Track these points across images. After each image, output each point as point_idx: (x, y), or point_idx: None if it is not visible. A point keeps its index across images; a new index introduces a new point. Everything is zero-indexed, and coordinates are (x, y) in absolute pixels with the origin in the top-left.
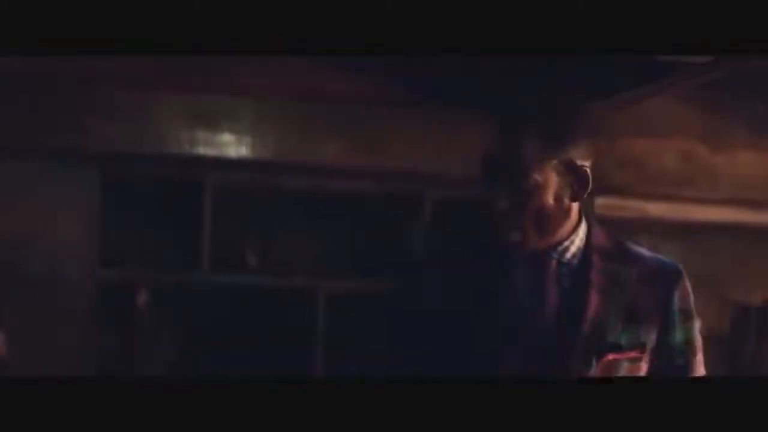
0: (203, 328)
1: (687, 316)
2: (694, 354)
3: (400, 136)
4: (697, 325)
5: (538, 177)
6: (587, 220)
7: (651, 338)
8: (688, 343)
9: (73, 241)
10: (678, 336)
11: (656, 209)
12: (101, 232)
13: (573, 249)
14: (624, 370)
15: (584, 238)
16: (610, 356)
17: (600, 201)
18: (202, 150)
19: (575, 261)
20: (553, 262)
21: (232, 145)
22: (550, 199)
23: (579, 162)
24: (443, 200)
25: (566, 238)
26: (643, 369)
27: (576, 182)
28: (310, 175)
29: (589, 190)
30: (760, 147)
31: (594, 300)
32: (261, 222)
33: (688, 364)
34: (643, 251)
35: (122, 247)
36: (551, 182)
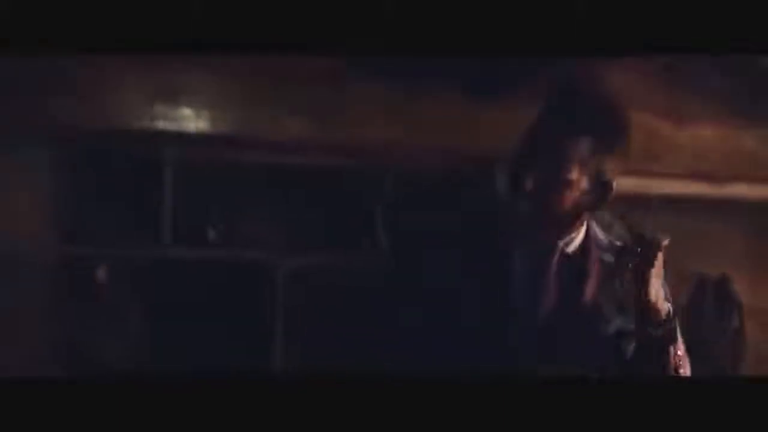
0: (163, 304)
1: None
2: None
3: (362, 111)
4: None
5: (573, 174)
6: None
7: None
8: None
9: (31, 217)
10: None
11: (619, 183)
12: (60, 209)
13: (577, 242)
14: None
15: (585, 232)
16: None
17: None
18: (162, 125)
19: (578, 253)
20: (558, 253)
21: (192, 120)
22: (570, 199)
23: (609, 176)
24: (406, 176)
25: (573, 231)
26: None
27: (598, 193)
28: (271, 150)
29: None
30: (722, 122)
31: (591, 291)
32: (221, 197)
33: (668, 355)
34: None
35: (81, 223)
36: (580, 185)
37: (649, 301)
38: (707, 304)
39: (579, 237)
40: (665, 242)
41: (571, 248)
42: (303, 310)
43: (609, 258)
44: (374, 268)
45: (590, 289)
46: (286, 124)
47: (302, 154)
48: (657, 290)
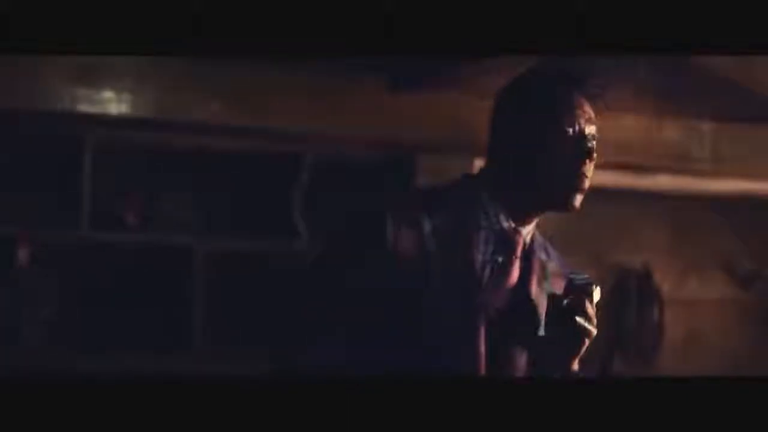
0: (82, 288)
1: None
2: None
3: (282, 95)
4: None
5: None
6: None
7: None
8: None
9: None
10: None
11: None
12: None
13: (530, 228)
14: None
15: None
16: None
17: (480, 163)
18: (83, 107)
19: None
20: (521, 240)
21: (113, 103)
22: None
23: None
24: (325, 161)
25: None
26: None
27: None
28: (191, 133)
29: None
30: (643, 112)
31: (533, 288)
32: (141, 181)
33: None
34: (553, 249)
35: (1, 204)
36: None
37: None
38: (630, 295)
39: (530, 232)
40: (596, 293)
41: (529, 236)
42: (221, 294)
43: (542, 258)
44: (291, 254)
45: (533, 287)
46: (207, 109)
47: (222, 139)
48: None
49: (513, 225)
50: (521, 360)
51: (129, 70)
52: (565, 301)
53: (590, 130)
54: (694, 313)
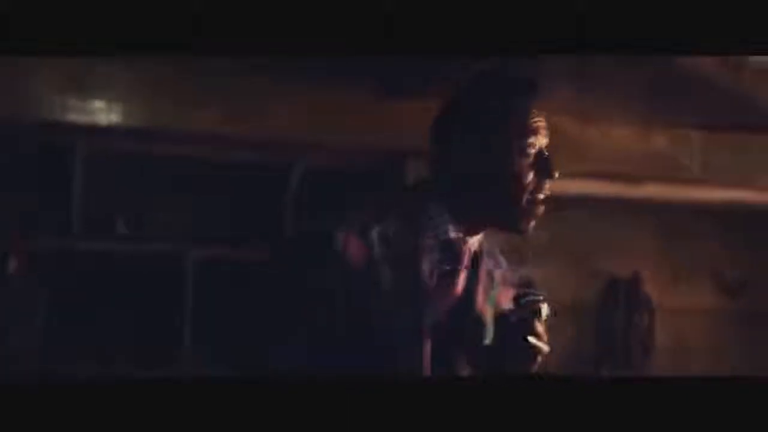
0: (73, 295)
1: None
2: None
3: (274, 104)
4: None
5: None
6: None
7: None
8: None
9: None
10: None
11: None
12: None
13: (476, 244)
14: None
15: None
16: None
17: None
18: (74, 116)
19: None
20: (467, 249)
21: (103, 112)
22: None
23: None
24: (316, 170)
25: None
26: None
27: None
28: (182, 142)
29: None
30: (631, 121)
31: (480, 296)
32: (132, 189)
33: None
34: (501, 256)
35: None
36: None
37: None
38: (618, 304)
39: (478, 239)
40: (545, 310)
41: (476, 245)
42: (210, 301)
43: (488, 266)
44: (278, 262)
45: (479, 295)
46: (199, 117)
47: (211, 147)
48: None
49: (460, 235)
50: (466, 367)
51: (119, 79)
52: (512, 319)
53: (540, 143)
54: (683, 320)
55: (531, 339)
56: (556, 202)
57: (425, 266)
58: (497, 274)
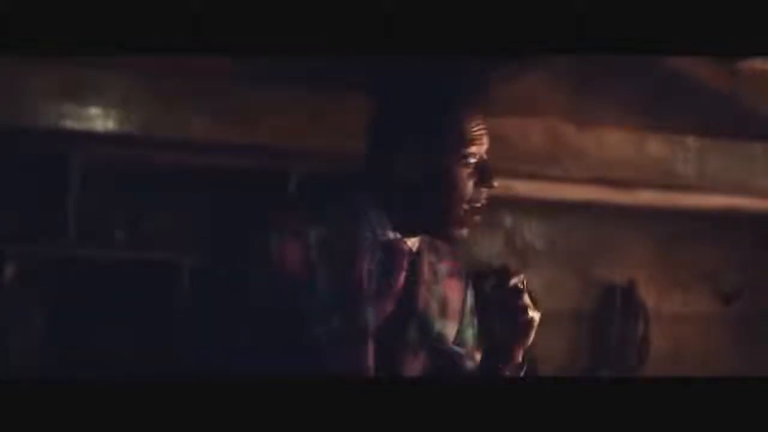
0: (69, 303)
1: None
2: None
3: (268, 112)
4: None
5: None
6: None
7: (452, 332)
8: (477, 338)
9: None
10: (470, 332)
11: (522, 187)
12: None
13: (417, 243)
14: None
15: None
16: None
17: None
18: (69, 124)
19: (414, 251)
20: (406, 249)
21: (99, 119)
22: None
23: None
24: (309, 177)
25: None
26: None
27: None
28: (177, 150)
29: None
30: (628, 127)
31: (422, 292)
32: (128, 197)
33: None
34: (447, 247)
35: None
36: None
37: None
38: (614, 310)
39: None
40: (515, 280)
41: (416, 245)
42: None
43: (432, 259)
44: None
45: (421, 291)
46: (194, 125)
47: (208, 155)
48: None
49: (399, 236)
50: (413, 365)
51: (115, 86)
52: (494, 298)
53: (481, 151)
54: (679, 327)
55: (530, 312)
56: (552, 207)
57: (364, 267)
58: (440, 266)
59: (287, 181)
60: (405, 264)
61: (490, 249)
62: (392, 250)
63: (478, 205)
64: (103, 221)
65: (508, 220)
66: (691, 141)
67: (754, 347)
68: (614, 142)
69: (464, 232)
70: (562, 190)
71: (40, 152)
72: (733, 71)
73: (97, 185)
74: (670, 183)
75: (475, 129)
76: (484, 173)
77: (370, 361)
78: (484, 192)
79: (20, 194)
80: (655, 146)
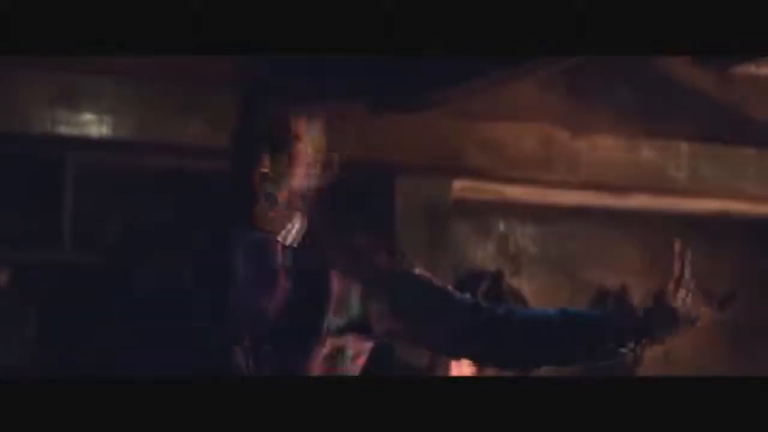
0: (63, 309)
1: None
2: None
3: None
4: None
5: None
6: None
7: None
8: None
9: None
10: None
11: (515, 192)
12: None
13: (293, 233)
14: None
15: (304, 223)
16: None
17: (459, 184)
18: (64, 129)
19: (296, 245)
20: (278, 246)
21: (93, 124)
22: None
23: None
24: None
25: (290, 222)
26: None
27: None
28: (171, 154)
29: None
30: (621, 132)
31: (305, 287)
32: (123, 202)
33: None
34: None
35: None
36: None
37: None
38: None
39: (296, 228)
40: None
41: (290, 240)
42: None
43: (323, 252)
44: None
45: (331, 282)
46: (188, 130)
47: (202, 159)
48: None
49: (265, 233)
50: (297, 360)
51: (109, 91)
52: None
53: (285, 149)
54: None
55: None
56: (545, 212)
57: (241, 266)
58: (320, 256)
59: None
60: (279, 257)
61: (483, 254)
62: (266, 247)
63: (280, 202)
64: (97, 226)
65: (501, 225)
66: (683, 147)
67: (746, 351)
68: (607, 148)
69: (274, 227)
70: (555, 196)
71: (33, 158)
72: (726, 77)
73: (91, 190)
74: (663, 188)
75: (277, 127)
76: (282, 172)
77: (248, 359)
78: (285, 190)
79: (14, 199)
80: (648, 152)
